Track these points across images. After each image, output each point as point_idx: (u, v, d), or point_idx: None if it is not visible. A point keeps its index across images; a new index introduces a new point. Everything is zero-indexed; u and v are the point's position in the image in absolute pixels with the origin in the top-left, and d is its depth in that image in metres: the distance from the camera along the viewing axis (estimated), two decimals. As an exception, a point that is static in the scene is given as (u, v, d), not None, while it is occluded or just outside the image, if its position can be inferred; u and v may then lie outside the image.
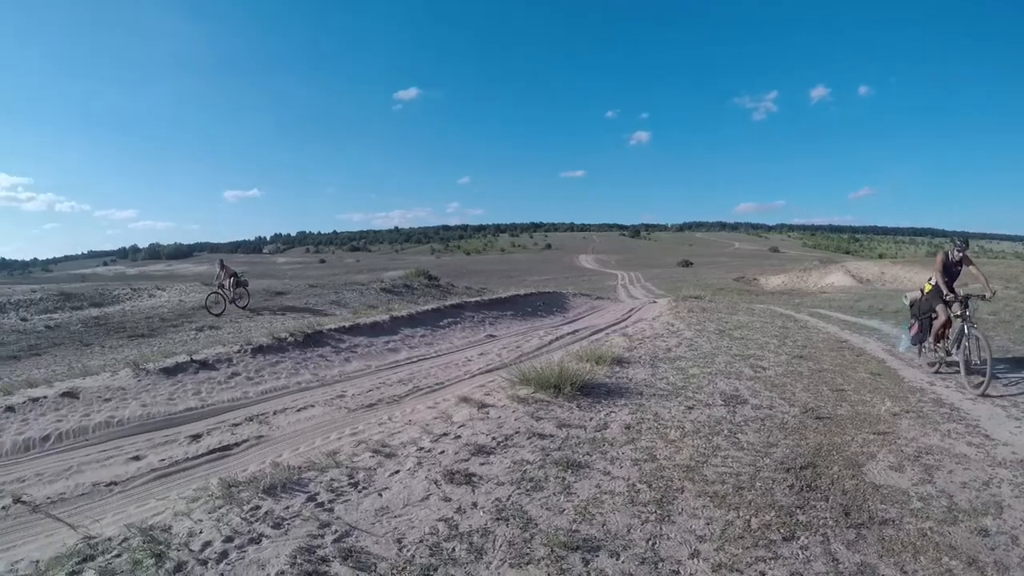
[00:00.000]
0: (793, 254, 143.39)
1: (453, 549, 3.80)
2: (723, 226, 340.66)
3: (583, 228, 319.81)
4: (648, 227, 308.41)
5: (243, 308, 19.70)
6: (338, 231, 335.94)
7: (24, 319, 20.58)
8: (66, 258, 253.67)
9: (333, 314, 15.02)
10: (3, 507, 5.50)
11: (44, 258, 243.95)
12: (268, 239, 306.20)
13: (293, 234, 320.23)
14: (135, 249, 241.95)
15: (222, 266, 21.00)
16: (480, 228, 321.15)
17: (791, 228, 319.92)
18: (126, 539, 4.21)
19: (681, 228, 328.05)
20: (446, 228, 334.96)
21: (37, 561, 4.21)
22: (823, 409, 6.88)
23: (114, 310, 21.57)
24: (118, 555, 3.99)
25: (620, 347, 10.25)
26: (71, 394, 8.39)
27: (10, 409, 7.91)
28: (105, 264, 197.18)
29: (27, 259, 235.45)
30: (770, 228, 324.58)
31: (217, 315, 18.72)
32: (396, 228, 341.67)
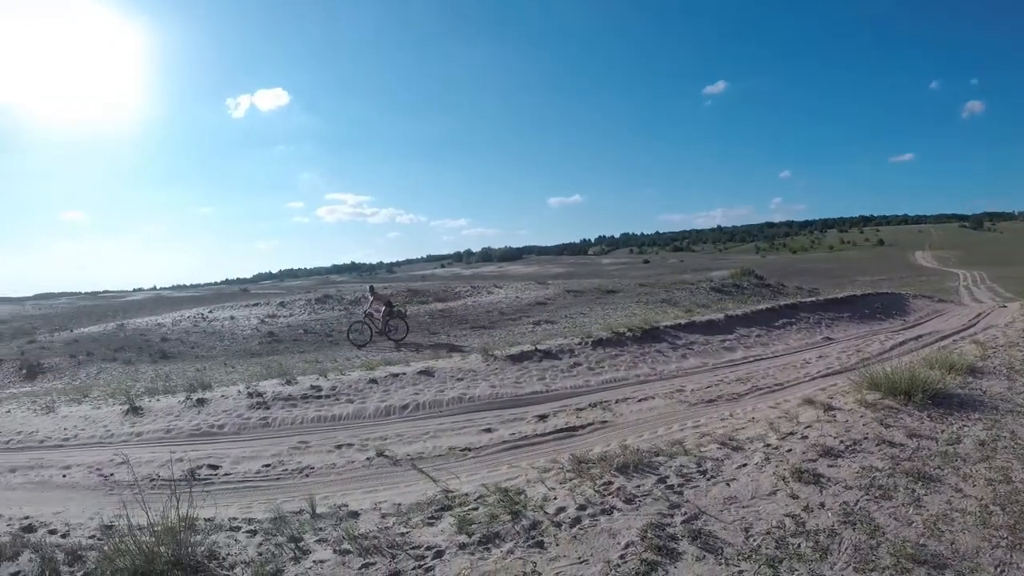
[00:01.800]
0: None
1: (799, 545, 3.84)
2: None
3: (917, 220, 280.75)
4: (992, 216, 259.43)
5: (398, 341, 17.59)
6: (660, 232, 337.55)
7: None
8: (407, 261, 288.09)
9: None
10: (368, 458, 6.44)
11: (388, 261, 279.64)
12: (592, 241, 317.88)
13: (616, 236, 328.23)
14: (468, 253, 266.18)
15: (373, 293, 19.27)
16: (805, 224, 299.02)
17: None
18: (482, 496, 4.69)
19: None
20: (770, 225, 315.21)
21: (399, 504, 4.83)
22: None
23: (456, 305, 24.01)
24: (475, 508, 4.46)
25: (972, 355, 9.18)
26: (427, 372, 9.60)
27: (373, 381, 9.28)
28: (442, 266, 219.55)
29: (373, 263, 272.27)
30: None
31: (360, 346, 17.35)
32: (719, 227, 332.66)
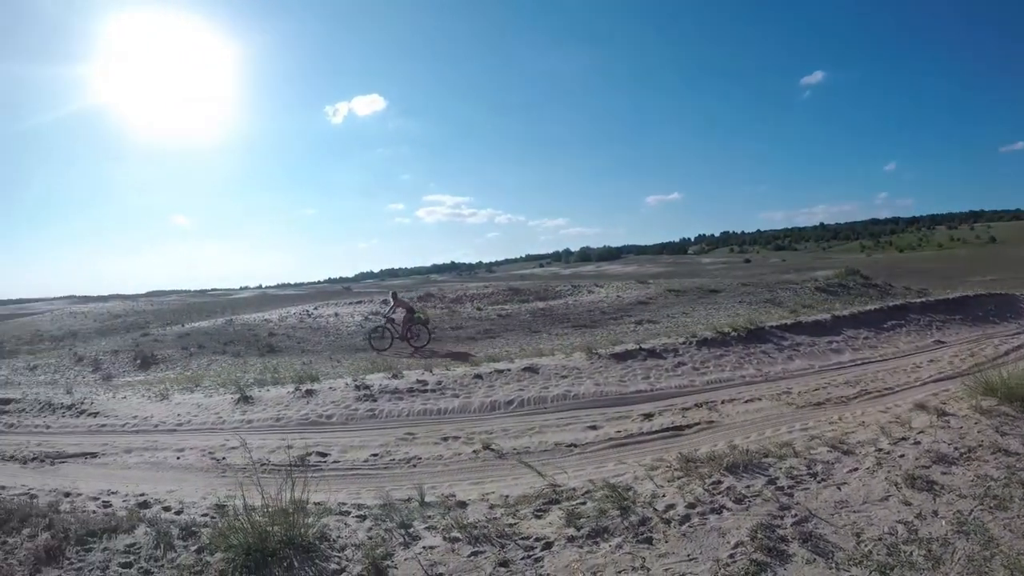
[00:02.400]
0: None
1: (911, 553, 3.80)
2: None
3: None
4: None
5: (418, 348, 17.64)
6: (761, 230, 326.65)
7: (479, 309, 24.18)
8: (506, 261, 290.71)
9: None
10: (474, 451, 6.55)
11: (487, 261, 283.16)
12: (692, 240, 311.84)
13: (716, 234, 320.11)
14: (567, 252, 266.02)
15: (395, 299, 19.73)
16: (912, 221, 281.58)
17: None
18: (589, 491, 4.71)
19: None
20: (875, 222, 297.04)
21: (506, 496, 4.89)
22: None
23: (557, 303, 24.13)
24: (583, 503, 4.49)
25: (1092, 361, 8.70)
26: (531, 369, 9.61)
27: (478, 377, 9.40)
28: (541, 265, 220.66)
29: (473, 262, 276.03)
30: None
31: (381, 350, 17.45)
32: (821, 224, 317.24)
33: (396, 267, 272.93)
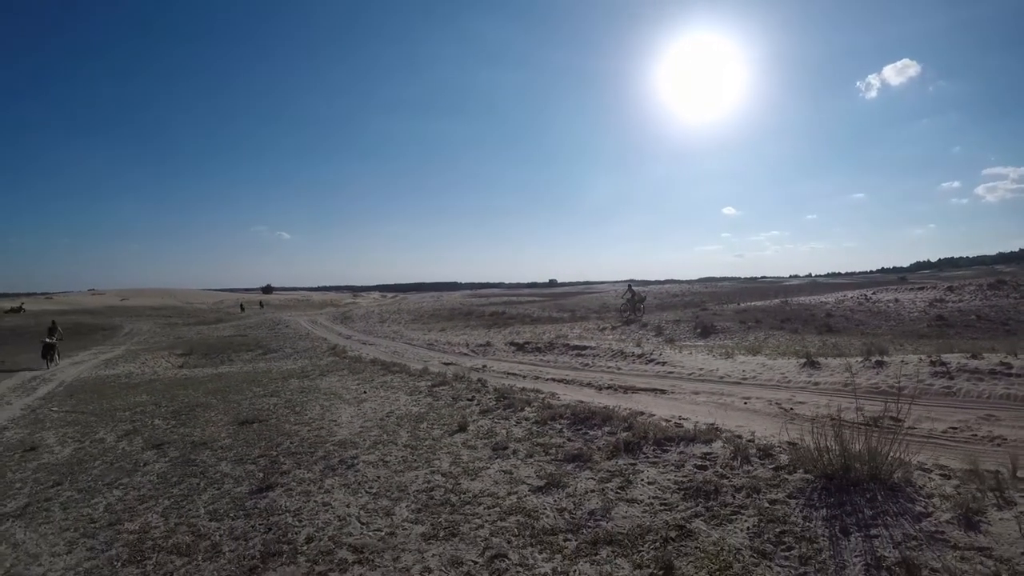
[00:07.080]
0: None
1: None
2: None
3: None
4: None
5: (636, 318, 26.34)
6: None
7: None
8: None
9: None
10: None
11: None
12: None
13: None
14: None
15: (629, 288, 31.17)
16: None
17: None
18: None
19: None
20: None
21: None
22: None
23: None
24: None
25: None
26: None
27: None
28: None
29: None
30: None
31: (622, 315, 28.69)
32: None
33: (955, 256, 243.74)
